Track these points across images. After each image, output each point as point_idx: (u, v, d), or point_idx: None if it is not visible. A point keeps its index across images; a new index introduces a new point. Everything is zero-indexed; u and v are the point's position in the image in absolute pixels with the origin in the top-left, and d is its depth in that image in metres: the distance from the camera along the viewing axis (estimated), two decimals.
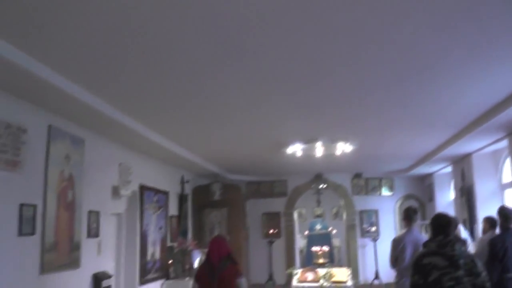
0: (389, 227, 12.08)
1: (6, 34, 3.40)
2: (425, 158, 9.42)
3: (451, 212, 8.80)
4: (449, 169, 10.32)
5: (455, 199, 9.78)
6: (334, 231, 15.06)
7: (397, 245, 6.29)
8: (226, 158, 9.44)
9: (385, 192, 12.38)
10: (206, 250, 5.40)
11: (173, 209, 9.30)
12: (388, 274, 9.70)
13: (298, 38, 3.58)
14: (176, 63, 4.04)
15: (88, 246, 5.80)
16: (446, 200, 11.20)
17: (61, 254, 5.15)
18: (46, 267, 4.83)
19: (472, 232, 8.39)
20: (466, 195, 8.77)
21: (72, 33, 3.42)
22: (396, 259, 6.28)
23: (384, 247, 10.22)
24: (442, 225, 3.93)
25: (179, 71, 4.25)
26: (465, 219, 8.75)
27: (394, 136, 7.38)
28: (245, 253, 11.22)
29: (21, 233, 4.47)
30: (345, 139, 7.51)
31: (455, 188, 9.75)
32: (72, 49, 3.71)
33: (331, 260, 12.62)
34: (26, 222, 4.54)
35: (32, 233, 4.65)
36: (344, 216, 12.85)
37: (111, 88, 4.68)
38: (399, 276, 6.23)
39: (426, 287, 3.69)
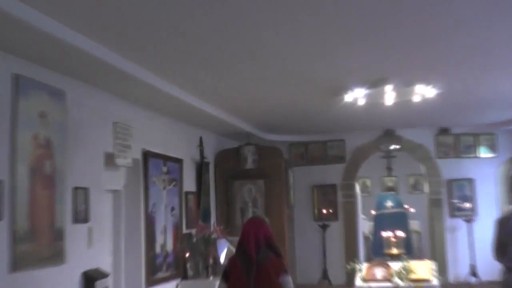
0: (490, 202, 11.88)
1: None
2: None
3: None
4: None
5: None
6: (412, 210, 14.99)
7: (504, 227, 6.19)
8: (261, 112, 9.44)
9: (484, 153, 12.15)
10: (237, 237, 5.41)
11: (189, 183, 9.35)
12: (489, 267, 9.55)
13: None
14: None
15: (75, 235, 5.87)
16: None
17: (39, 245, 5.24)
18: (19, 263, 4.92)
19: None
20: None
21: None
22: (502, 247, 6.18)
23: (484, 231, 10.09)
24: None
25: None
26: None
27: (496, 73, 7.20)
28: (289, 241, 11.27)
29: None
30: (426, 80, 7.34)
31: None
32: None
33: (408, 250, 12.57)
34: None
35: None
36: (426, 188, 12.72)
37: (99, 20, 4.64)
38: (508, 270, 6.13)
39: None
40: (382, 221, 14.16)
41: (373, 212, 15.00)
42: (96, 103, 6.52)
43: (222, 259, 8.55)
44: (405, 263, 8.73)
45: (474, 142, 12.17)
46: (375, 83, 7.37)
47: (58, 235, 5.54)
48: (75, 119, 5.97)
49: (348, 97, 7.88)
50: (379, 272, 8.71)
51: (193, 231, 9.02)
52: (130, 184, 7.55)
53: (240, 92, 7.81)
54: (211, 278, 8.39)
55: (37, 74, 5.33)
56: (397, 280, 8.47)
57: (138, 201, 7.58)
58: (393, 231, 10.70)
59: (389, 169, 15.51)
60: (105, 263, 6.67)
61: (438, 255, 11.71)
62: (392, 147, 12.42)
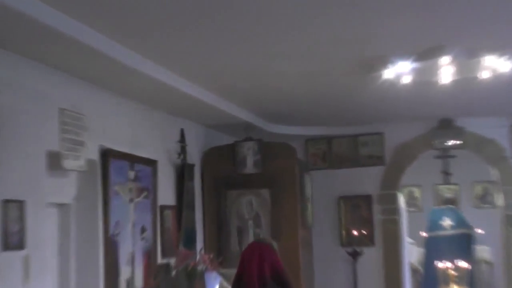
0: None
1: None
2: None
3: None
4: None
5: None
6: (480, 231, 14.98)
7: None
8: (267, 95, 9.51)
9: None
10: (234, 269, 5.43)
11: (166, 194, 9.41)
12: None
13: None
14: None
15: (4, 267, 5.86)
16: None
17: None
18: None
19: None
20: None
21: None
22: None
23: None
24: None
25: None
26: None
27: None
28: (306, 273, 11.32)
29: None
30: (499, 49, 7.35)
31: None
32: None
33: (474, 286, 12.56)
34: None
35: None
36: (499, 200, 12.74)
37: None
38: None
39: None
40: (436, 247, 14.11)
41: (424, 234, 14.98)
42: (35, 83, 6.48)
43: None
44: None
45: None
46: (426, 54, 7.37)
47: None
48: (5, 105, 5.94)
49: (389, 74, 7.90)
50: None
51: (172, 260, 9.05)
52: (84, 195, 7.53)
53: (238, 67, 7.83)
54: None
55: None
56: None
57: (95, 219, 7.56)
58: (452, 260, 10.70)
59: (446, 174, 15.48)
60: None
61: None
62: (451, 143, 12.42)
